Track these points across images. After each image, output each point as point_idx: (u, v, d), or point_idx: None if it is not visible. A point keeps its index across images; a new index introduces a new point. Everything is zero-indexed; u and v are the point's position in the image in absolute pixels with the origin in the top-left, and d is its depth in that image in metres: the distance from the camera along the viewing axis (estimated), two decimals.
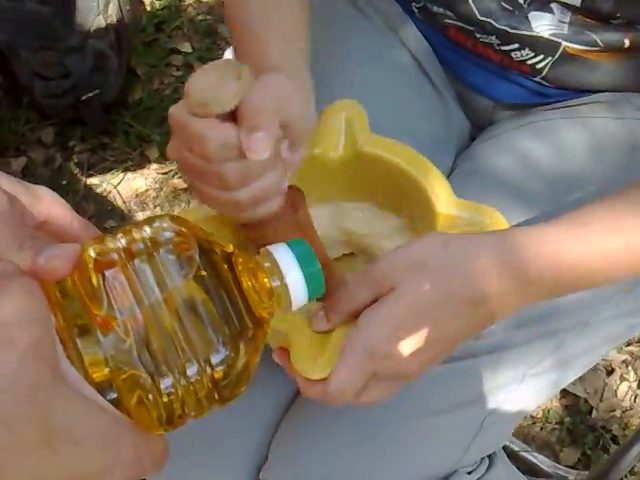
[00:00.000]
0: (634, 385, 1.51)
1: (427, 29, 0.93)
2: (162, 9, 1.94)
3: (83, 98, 1.65)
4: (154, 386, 0.39)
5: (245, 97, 0.60)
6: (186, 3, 1.97)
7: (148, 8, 1.93)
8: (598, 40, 0.84)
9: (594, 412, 1.47)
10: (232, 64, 0.61)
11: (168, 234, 0.42)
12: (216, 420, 0.78)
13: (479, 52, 0.90)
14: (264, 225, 0.67)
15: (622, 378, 1.51)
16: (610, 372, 1.52)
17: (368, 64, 0.93)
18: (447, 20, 0.89)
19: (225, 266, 0.44)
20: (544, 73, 0.88)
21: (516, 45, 0.86)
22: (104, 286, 0.40)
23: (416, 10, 0.92)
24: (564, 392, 1.48)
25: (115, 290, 0.40)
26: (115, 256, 0.41)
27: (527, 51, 0.86)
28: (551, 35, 0.84)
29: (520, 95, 0.92)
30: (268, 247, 0.49)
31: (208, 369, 0.40)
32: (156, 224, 0.42)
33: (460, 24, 0.88)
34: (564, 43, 0.85)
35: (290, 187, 0.68)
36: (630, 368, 1.52)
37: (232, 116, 0.60)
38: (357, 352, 0.60)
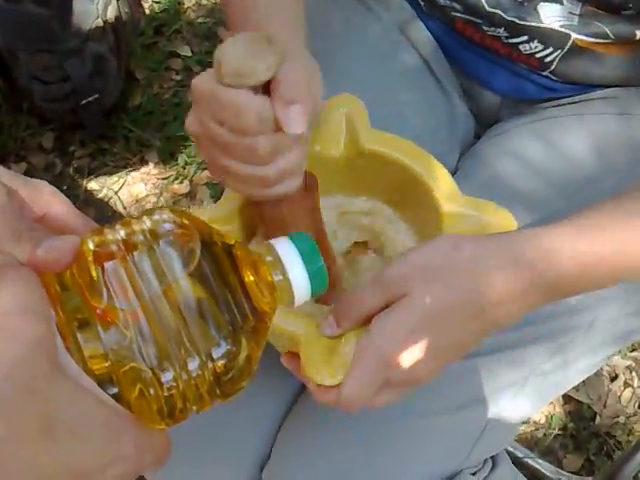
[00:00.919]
0: (638, 391, 1.50)
1: (433, 22, 0.93)
2: (161, 12, 1.94)
3: (82, 102, 1.64)
4: (155, 379, 0.39)
5: (278, 70, 0.59)
6: (185, 6, 1.97)
7: (147, 11, 1.93)
8: (608, 32, 0.83)
9: (598, 418, 1.47)
10: (261, 36, 0.60)
11: (168, 226, 0.41)
12: (218, 419, 0.79)
13: (487, 45, 0.89)
14: (281, 204, 0.67)
15: (626, 384, 1.51)
16: (614, 378, 1.51)
17: (372, 62, 0.92)
18: (454, 13, 0.88)
19: (227, 259, 0.43)
20: (553, 67, 0.87)
21: (525, 37, 0.85)
22: (103, 278, 0.39)
23: (422, 3, 0.92)
24: (567, 398, 1.48)
25: (115, 282, 0.39)
26: (114, 248, 0.40)
27: (536, 43, 0.85)
28: (561, 27, 0.84)
29: (527, 90, 0.91)
30: (271, 241, 0.47)
31: (209, 363, 0.40)
32: (156, 216, 0.42)
33: (467, 16, 0.87)
34: (574, 35, 0.84)
35: (305, 171, 0.67)
36: (634, 374, 1.52)
37: (263, 89, 0.60)
38: (370, 359, 0.59)
